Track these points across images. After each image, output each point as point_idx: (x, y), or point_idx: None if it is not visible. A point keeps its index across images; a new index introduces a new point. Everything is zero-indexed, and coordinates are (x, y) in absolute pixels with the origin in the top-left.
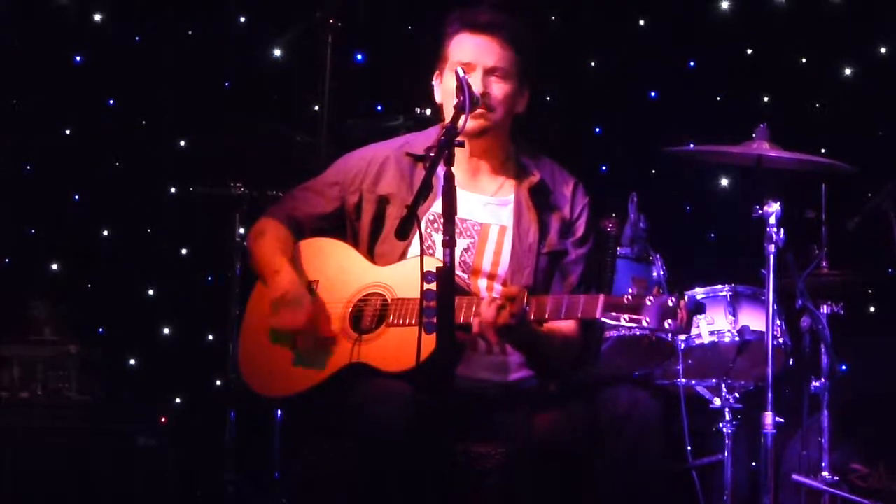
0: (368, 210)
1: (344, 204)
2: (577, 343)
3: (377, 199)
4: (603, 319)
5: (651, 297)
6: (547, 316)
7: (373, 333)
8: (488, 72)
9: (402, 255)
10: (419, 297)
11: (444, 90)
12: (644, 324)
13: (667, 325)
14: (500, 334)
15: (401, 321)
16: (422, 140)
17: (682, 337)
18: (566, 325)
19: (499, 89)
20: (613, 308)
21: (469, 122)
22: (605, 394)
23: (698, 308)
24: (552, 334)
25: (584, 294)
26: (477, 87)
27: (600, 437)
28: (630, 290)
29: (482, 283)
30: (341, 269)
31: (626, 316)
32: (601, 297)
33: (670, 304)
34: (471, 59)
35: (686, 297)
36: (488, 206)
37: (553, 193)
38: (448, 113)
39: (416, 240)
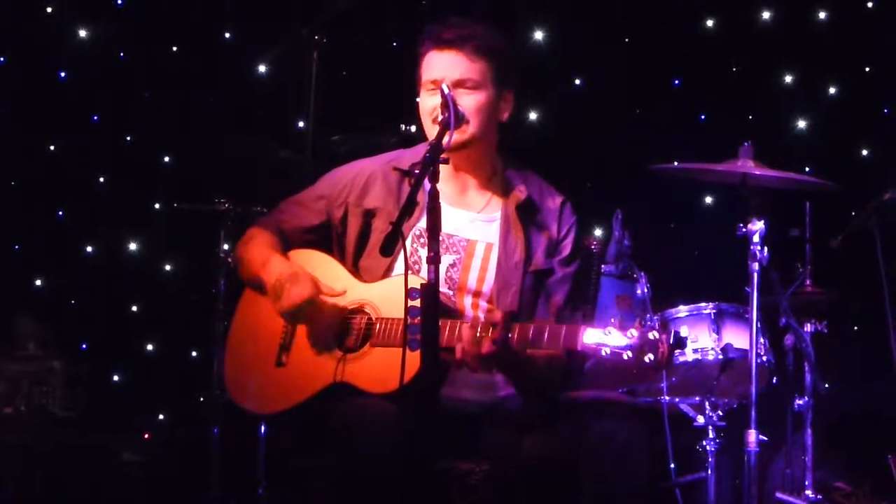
0: (354, 224)
1: (330, 217)
2: (561, 364)
3: (363, 213)
4: (583, 350)
5: (633, 330)
6: (528, 343)
7: (357, 353)
8: (456, 84)
9: (388, 270)
10: (404, 316)
11: (420, 109)
12: (625, 357)
13: (647, 360)
14: (483, 362)
15: (385, 341)
16: (410, 156)
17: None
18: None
19: (471, 100)
20: (594, 340)
21: (451, 142)
22: (591, 413)
23: (680, 343)
24: (536, 357)
25: (569, 315)
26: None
27: (585, 455)
28: (612, 320)
29: (467, 300)
30: (328, 288)
31: (608, 349)
32: (582, 329)
33: (651, 338)
34: (437, 76)
35: (669, 332)
36: (475, 223)
37: (540, 211)
38: (428, 130)
39: (401, 255)
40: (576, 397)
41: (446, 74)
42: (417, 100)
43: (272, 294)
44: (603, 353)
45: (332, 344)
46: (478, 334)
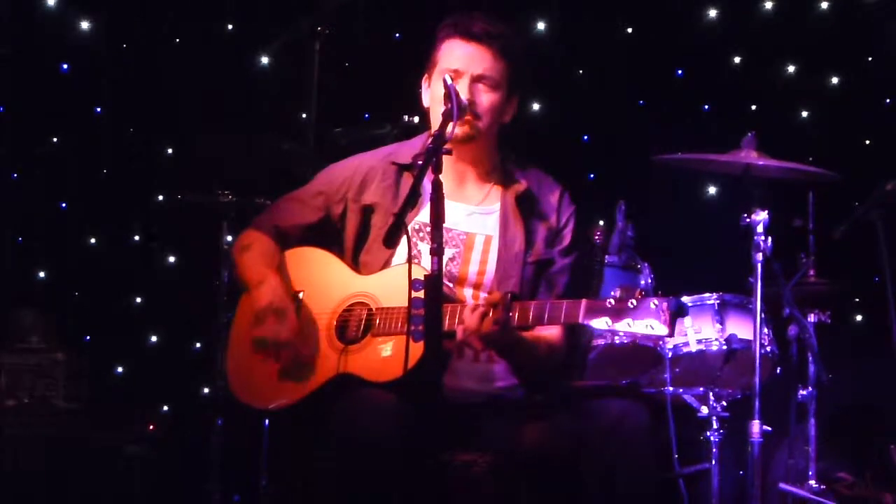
0: (353, 219)
1: (329, 214)
2: (561, 349)
3: (362, 209)
4: (586, 324)
5: (633, 301)
6: (530, 322)
7: (358, 344)
8: (476, 79)
9: (387, 264)
10: (403, 305)
11: (432, 95)
12: (626, 326)
13: (649, 328)
14: (485, 341)
15: (386, 330)
16: (407, 150)
17: (670, 345)
18: (550, 332)
19: (486, 98)
20: (596, 312)
21: (458, 133)
22: (594, 404)
23: (681, 310)
24: (536, 341)
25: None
26: (464, 94)
27: (588, 446)
28: (613, 293)
29: (468, 292)
30: (326, 279)
31: (609, 319)
32: (584, 302)
33: (652, 306)
34: (459, 66)
35: (668, 300)
36: (473, 216)
37: (539, 202)
38: (435, 118)
39: (400, 249)
40: (578, 385)
41: (469, 68)
42: (421, 89)
43: (255, 317)
44: (605, 325)
45: (333, 336)
46: (479, 314)
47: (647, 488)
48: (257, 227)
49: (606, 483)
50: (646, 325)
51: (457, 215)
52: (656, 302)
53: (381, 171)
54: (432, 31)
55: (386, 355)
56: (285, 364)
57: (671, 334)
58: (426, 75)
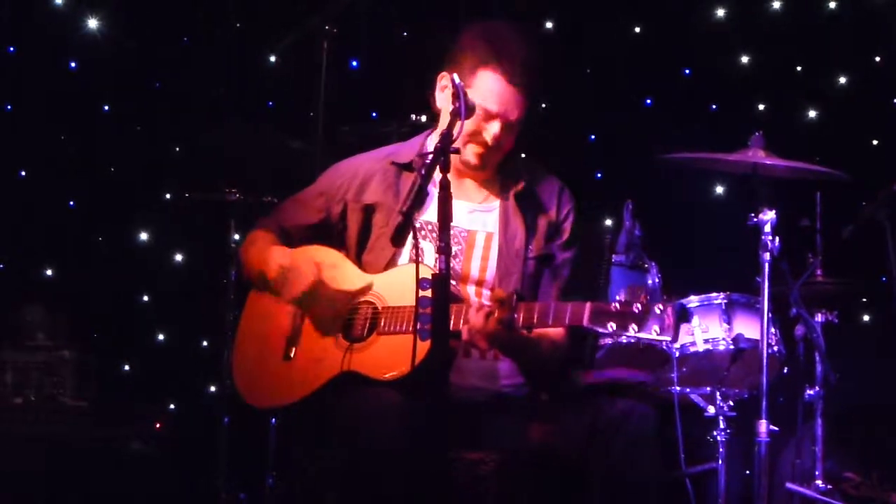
0: (354, 220)
1: (329, 214)
2: (564, 348)
3: (363, 209)
4: (590, 326)
5: (638, 304)
6: (535, 322)
7: (364, 342)
8: (507, 123)
9: (391, 263)
10: (409, 304)
11: (463, 127)
12: (631, 331)
13: (654, 333)
14: (490, 341)
15: (392, 329)
16: (407, 150)
17: (677, 345)
18: (554, 331)
19: (510, 138)
20: (601, 315)
21: (471, 157)
22: (601, 403)
23: (685, 314)
24: (540, 339)
25: (571, 299)
26: (492, 134)
27: (594, 445)
28: (618, 297)
29: (471, 289)
30: (332, 277)
31: (614, 323)
32: (588, 305)
33: (657, 310)
34: (496, 110)
35: (673, 305)
36: (474, 213)
37: (539, 197)
38: (463, 151)
39: (404, 249)
40: (587, 381)
41: (506, 113)
42: (439, 83)
43: (277, 285)
44: (609, 328)
45: (339, 335)
46: (484, 313)
47: (653, 487)
48: (262, 227)
49: (612, 481)
50: (650, 329)
51: (458, 213)
52: (661, 307)
53: (381, 171)
54: (440, 30)
55: (391, 353)
56: (295, 358)
57: (675, 340)
58: (445, 73)
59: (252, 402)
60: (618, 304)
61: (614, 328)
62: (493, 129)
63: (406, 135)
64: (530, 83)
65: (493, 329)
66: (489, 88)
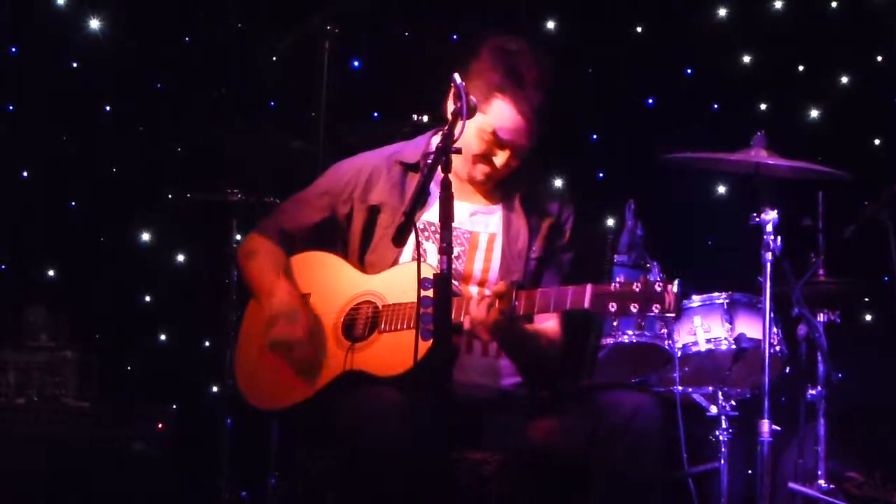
0: (359, 219)
1: (335, 214)
2: (559, 344)
3: (368, 209)
4: (591, 309)
5: (638, 284)
6: (536, 309)
7: (365, 341)
8: (517, 149)
9: (393, 264)
10: (410, 301)
11: (467, 142)
12: (632, 310)
13: (654, 310)
14: (491, 331)
15: (393, 327)
16: (411, 149)
17: (679, 344)
18: (550, 328)
19: (517, 161)
20: (602, 296)
21: (478, 175)
22: (607, 398)
23: (686, 292)
24: (538, 334)
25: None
26: (502, 160)
27: (598, 444)
28: (618, 279)
29: (473, 289)
30: (332, 281)
31: (614, 304)
32: (589, 287)
33: (657, 288)
34: (510, 139)
35: (674, 282)
36: (476, 215)
37: (541, 199)
38: (467, 164)
39: (406, 248)
40: (588, 383)
41: (517, 142)
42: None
43: (267, 324)
44: (610, 308)
45: (340, 335)
46: (486, 304)
47: (656, 487)
48: (261, 231)
49: (615, 482)
50: (652, 308)
51: (461, 214)
52: (660, 284)
53: (387, 171)
54: (440, 30)
55: (393, 351)
56: (299, 364)
57: (678, 316)
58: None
59: (255, 403)
60: (617, 284)
61: (615, 309)
62: (504, 154)
63: (408, 135)
64: (544, 113)
65: (494, 319)
66: (504, 117)
